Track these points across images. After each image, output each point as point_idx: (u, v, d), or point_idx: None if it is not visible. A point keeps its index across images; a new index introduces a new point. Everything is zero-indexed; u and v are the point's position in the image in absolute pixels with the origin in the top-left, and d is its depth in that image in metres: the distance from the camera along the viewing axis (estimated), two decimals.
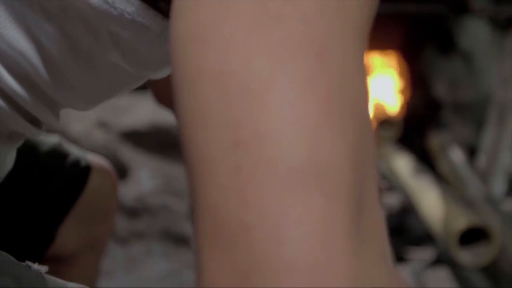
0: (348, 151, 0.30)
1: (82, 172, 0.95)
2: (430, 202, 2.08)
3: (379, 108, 3.03)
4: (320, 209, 0.29)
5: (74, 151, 0.96)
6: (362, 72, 0.33)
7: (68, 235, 0.94)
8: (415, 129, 3.02)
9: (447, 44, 2.92)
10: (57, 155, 0.93)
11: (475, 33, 2.92)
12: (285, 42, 0.31)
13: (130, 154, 2.64)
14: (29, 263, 0.60)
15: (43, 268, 0.61)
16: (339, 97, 0.31)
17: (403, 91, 3.48)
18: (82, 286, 0.65)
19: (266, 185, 0.29)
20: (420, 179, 2.26)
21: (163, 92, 1.01)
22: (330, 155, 0.30)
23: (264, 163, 0.29)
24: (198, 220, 0.31)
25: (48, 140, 0.93)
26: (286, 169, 0.29)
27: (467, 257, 1.87)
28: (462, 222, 1.84)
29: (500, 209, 2.20)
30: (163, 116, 2.81)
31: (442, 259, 2.38)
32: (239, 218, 0.29)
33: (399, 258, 2.68)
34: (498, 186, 2.48)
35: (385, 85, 3.63)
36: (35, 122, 0.60)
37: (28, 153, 0.88)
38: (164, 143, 2.77)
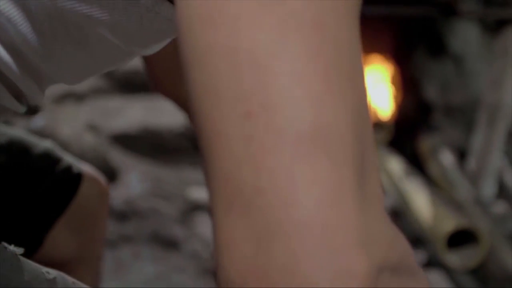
0: (350, 116, 0.33)
1: (73, 178, 0.94)
2: (419, 205, 2.07)
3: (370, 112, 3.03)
4: (327, 172, 0.32)
5: (67, 158, 0.95)
6: (356, 43, 0.36)
7: (58, 242, 0.93)
8: (406, 132, 3.02)
9: (437, 47, 2.92)
10: (50, 159, 0.92)
11: (465, 36, 2.92)
12: (287, 18, 0.33)
13: (120, 157, 2.63)
14: (5, 244, 0.60)
15: (19, 250, 0.60)
16: (338, 66, 0.34)
17: (394, 94, 3.48)
18: (57, 271, 0.65)
19: (277, 152, 0.32)
20: (410, 182, 2.25)
21: (163, 81, 1.01)
22: (334, 121, 0.32)
23: (273, 132, 0.32)
24: (213, 187, 0.34)
25: (42, 143, 0.93)
26: (294, 136, 0.32)
27: (455, 259, 1.87)
28: (450, 224, 1.84)
29: (489, 211, 2.19)
30: (153, 119, 2.80)
31: (432, 262, 2.38)
32: (252, 183, 0.32)
33: None
34: (488, 189, 2.48)
35: (376, 89, 3.63)
36: (19, 96, 0.59)
37: (21, 153, 0.88)
38: (154, 146, 2.76)
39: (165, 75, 1.00)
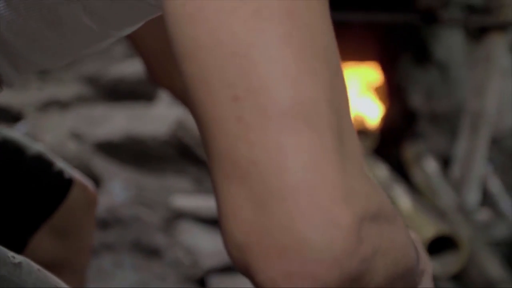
0: (325, 90, 0.39)
1: (64, 183, 0.94)
2: (401, 212, 2.07)
3: (356, 119, 3.03)
4: (310, 141, 0.37)
5: (59, 163, 0.95)
6: (327, 26, 0.41)
7: (42, 245, 0.93)
8: (391, 139, 3.02)
9: (422, 55, 2.92)
10: (43, 162, 0.92)
11: (450, 43, 2.92)
12: (260, 9, 0.38)
13: (103, 165, 2.62)
14: None
15: None
16: (311, 48, 0.39)
17: (379, 102, 3.48)
18: (24, 257, 0.65)
19: (264, 128, 0.37)
20: (392, 189, 2.24)
21: (159, 73, 1.01)
22: (311, 95, 0.38)
23: (259, 111, 0.37)
24: (214, 163, 0.40)
25: (35, 146, 0.93)
26: (277, 113, 0.37)
27: (435, 266, 1.86)
28: (429, 230, 1.84)
29: (472, 218, 2.19)
30: (138, 127, 2.80)
31: None
32: (247, 157, 0.37)
33: None
34: (472, 196, 2.47)
35: (362, 96, 3.64)
36: None
37: (14, 153, 0.88)
38: (138, 154, 2.75)
39: (161, 67, 1.01)
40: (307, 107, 0.38)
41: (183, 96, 0.71)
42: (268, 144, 0.37)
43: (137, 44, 1.02)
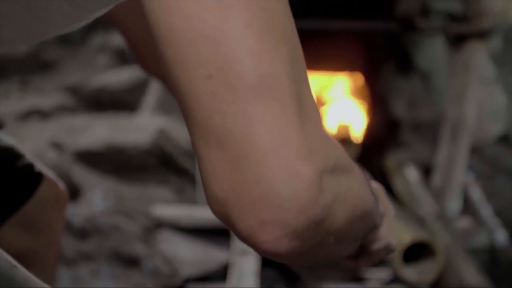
0: (284, 65, 0.45)
1: (34, 176, 0.93)
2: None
3: (339, 128, 3.03)
4: (274, 109, 0.44)
5: (30, 156, 0.95)
6: (285, 9, 0.47)
7: (9, 237, 0.92)
8: (374, 148, 3.02)
9: (405, 64, 2.93)
10: (13, 154, 0.91)
11: (432, 52, 2.93)
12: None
13: (83, 175, 2.60)
14: None
15: None
16: (270, 29, 0.45)
17: (362, 111, 3.48)
18: None
19: (235, 101, 0.44)
20: None
21: (146, 60, 1.03)
22: (272, 70, 0.45)
23: (230, 87, 0.44)
24: (194, 133, 0.46)
25: (7, 139, 0.92)
26: (245, 88, 0.44)
27: (411, 273, 1.85)
28: (406, 237, 1.83)
29: (451, 226, 2.18)
30: (119, 137, 2.79)
31: (398, 279, 2.36)
32: (222, 126, 0.44)
33: (358, 278, 2.66)
34: (453, 204, 2.47)
35: (345, 106, 3.64)
36: None
37: None
38: (119, 164, 2.74)
39: (147, 55, 1.02)
40: (270, 80, 0.44)
41: (168, 82, 0.71)
42: (239, 114, 0.44)
43: (124, 32, 1.02)
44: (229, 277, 2.05)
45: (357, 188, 0.53)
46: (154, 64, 1.01)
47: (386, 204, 0.76)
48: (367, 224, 0.61)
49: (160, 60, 0.48)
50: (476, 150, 2.99)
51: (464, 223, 2.45)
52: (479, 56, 2.31)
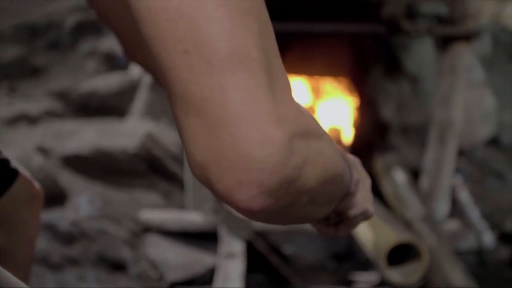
0: (255, 39, 0.49)
1: (9, 172, 0.92)
2: (363, 225, 2.05)
3: (329, 132, 3.03)
4: (246, 79, 0.48)
5: (7, 153, 0.94)
6: None
7: None
8: (363, 151, 3.01)
9: (393, 67, 2.93)
10: None
11: (421, 56, 2.93)
12: None
13: (70, 179, 2.59)
14: None
15: None
16: (241, 7, 0.49)
17: (351, 114, 3.48)
18: None
19: (210, 73, 0.48)
20: None
21: (133, 50, 1.04)
22: (244, 45, 0.49)
23: (205, 60, 0.48)
24: (174, 104, 0.51)
25: None
26: (219, 61, 0.48)
27: (395, 275, 1.84)
28: (390, 239, 1.82)
29: (438, 228, 2.18)
30: (107, 142, 2.78)
31: (386, 282, 2.35)
32: (199, 95, 0.48)
33: (346, 281, 2.65)
34: (440, 206, 2.47)
35: (335, 109, 3.64)
36: None
37: None
38: (107, 168, 2.73)
39: (135, 46, 1.03)
40: (241, 53, 0.49)
41: (154, 70, 0.75)
42: (214, 84, 0.48)
43: (108, 22, 1.02)
44: (215, 280, 2.05)
45: (327, 152, 0.57)
46: (141, 55, 1.02)
47: (361, 174, 0.81)
48: (339, 187, 0.67)
49: (143, 44, 0.52)
50: (465, 153, 2.99)
51: (452, 225, 2.45)
52: (465, 58, 2.30)
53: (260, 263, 2.68)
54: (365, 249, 2.02)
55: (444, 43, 2.33)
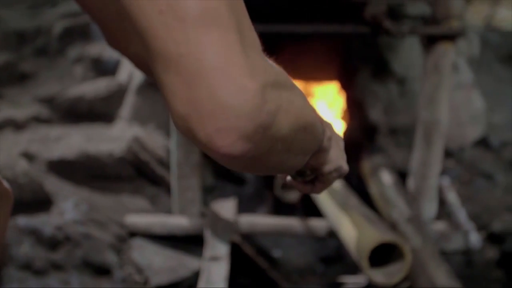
0: (224, 1, 0.54)
1: None
2: (347, 226, 2.04)
3: None
4: (218, 36, 0.53)
5: None
6: None
7: None
8: (352, 153, 3.00)
9: (382, 70, 2.92)
10: None
11: (408, 58, 2.93)
12: None
13: (57, 184, 2.58)
14: None
15: None
16: None
17: (340, 117, 3.48)
18: None
19: (185, 30, 0.52)
20: (343, 204, 2.22)
21: (113, 37, 1.04)
22: (213, 5, 0.53)
23: (179, 19, 0.52)
24: (154, 62, 0.54)
25: None
26: (191, 19, 0.52)
27: (378, 275, 1.83)
28: (371, 240, 1.81)
29: (423, 229, 2.16)
30: (94, 147, 2.77)
31: (372, 285, 2.34)
32: (176, 52, 0.52)
33: (334, 284, 2.64)
34: (428, 208, 2.46)
35: (323, 113, 3.63)
36: None
37: None
38: (93, 173, 2.72)
39: (114, 34, 1.02)
40: (212, 13, 0.53)
41: (137, 58, 0.84)
42: (189, 41, 0.52)
43: (90, 12, 1.02)
44: (199, 283, 2.03)
45: (298, 102, 0.63)
46: (125, 44, 1.03)
47: (335, 134, 0.87)
48: (311, 137, 0.72)
49: (126, 39, 0.59)
50: (454, 154, 2.98)
51: (440, 226, 2.44)
52: (449, 58, 2.30)
53: (248, 266, 2.67)
54: (349, 250, 2.01)
55: (428, 43, 2.33)
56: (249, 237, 2.77)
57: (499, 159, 2.99)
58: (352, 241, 1.95)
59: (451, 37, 2.28)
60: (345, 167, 0.89)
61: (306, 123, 0.66)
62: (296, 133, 0.63)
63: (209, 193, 2.99)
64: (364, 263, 1.80)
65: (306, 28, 2.34)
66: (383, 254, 1.95)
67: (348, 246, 2.00)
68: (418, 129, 2.43)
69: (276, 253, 2.88)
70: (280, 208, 3.08)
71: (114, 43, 1.05)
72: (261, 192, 3.12)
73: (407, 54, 2.93)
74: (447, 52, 2.30)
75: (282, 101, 0.58)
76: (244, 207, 3.03)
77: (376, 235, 1.83)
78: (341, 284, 2.60)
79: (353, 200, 2.28)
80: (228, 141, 0.54)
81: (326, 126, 0.81)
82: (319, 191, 0.91)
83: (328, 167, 0.85)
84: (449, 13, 2.26)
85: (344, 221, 2.10)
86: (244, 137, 0.55)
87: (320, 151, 0.81)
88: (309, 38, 2.99)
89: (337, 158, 0.86)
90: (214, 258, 2.15)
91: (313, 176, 0.89)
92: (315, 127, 0.71)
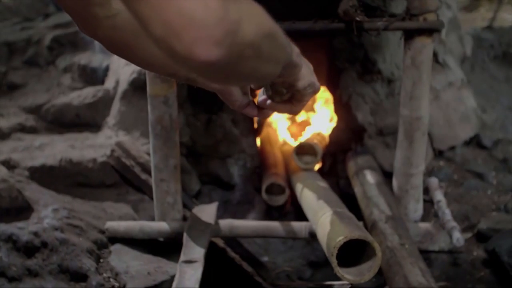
0: None
1: None
2: (322, 225, 1.99)
3: (311, 136, 2.99)
4: None
5: None
6: None
7: None
8: (340, 155, 2.96)
9: (368, 70, 2.88)
10: None
11: (394, 57, 2.88)
12: None
13: (38, 191, 2.57)
14: None
15: None
16: None
17: (329, 119, 3.43)
18: None
19: None
20: (323, 204, 2.18)
21: (83, 21, 1.03)
22: None
23: None
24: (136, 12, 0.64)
25: None
26: None
27: (347, 273, 1.78)
28: (339, 236, 1.77)
29: (401, 228, 2.11)
30: (76, 153, 2.76)
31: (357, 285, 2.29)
32: None
33: (324, 286, 2.60)
34: (412, 207, 2.40)
35: (315, 116, 3.60)
36: None
37: None
38: (75, 179, 2.71)
39: (86, 18, 1.04)
40: None
41: (107, 40, 0.94)
42: None
43: (61, 2, 1.01)
44: (173, 286, 2.00)
45: (257, 12, 0.71)
46: (92, 27, 1.03)
47: (303, 57, 0.95)
48: (278, 44, 0.81)
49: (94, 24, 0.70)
50: (445, 153, 2.93)
51: (425, 226, 2.39)
52: (427, 53, 2.25)
53: (233, 271, 2.63)
54: (324, 249, 1.96)
55: (406, 38, 2.29)
56: (236, 242, 2.73)
57: (491, 159, 2.93)
58: (324, 240, 1.90)
59: (428, 32, 2.24)
60: (318, 84, 0.99)
61: (270, 30, 0.75)
62: (261, 39, 0.72)
63: (196, 199, 2.96)
64: (333, 260, 1.76)
65: (280, 25, 2.31)
66: (358, 253, 1.90)
67: (321, 245, 1.96)
68: (400, 127, 2.39)
69: (263, 258, 2.84)
70: (271, 213, 3.04)
71: (85, 28, 1.05)
72: (249, 197, 3.08)
73: (395, 53, 2.89)
74: (425, 47, 2.25)
75: (242, 11, 0.66)
76: (233, 213, 3.00)
77: (344, 232, 1.79)
78: (327, 284, 2.56)
79: (334, 200, 2.23)
80: (203, 49, 0.63)
81: (294, 46, 0.91)
82: (297, 109, 1.02)
83: (302, 83, 0.96)
84: (425, 7, 2.22)
85: (320, 221, 2.05)
86: (216, 43, 0.64)
87: (291, 65, 0.91)
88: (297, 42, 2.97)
89: (308, 75, 0.97)
90: (189, 261, 2.12)
91: (289, 95, 1.00)
92: (278, 35, 0.81)
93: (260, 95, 1.05)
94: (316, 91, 1.00)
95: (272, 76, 0.87)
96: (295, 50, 0.91)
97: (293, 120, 3.83)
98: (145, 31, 0.65)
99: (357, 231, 1.79)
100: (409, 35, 2.27)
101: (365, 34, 2.77)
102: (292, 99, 1.01)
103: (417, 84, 2.28)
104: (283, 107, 1.02)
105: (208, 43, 0.63)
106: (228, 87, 1.01)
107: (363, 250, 1.90)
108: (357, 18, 2.13)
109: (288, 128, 3.73)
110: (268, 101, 1.02)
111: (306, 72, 0.96)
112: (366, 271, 1.79)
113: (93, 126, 3.12)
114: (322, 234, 1.94)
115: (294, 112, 1.04)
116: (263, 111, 1.06)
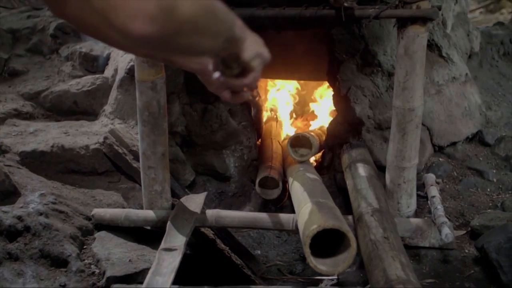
0: None
1: None
2: (302, 216, 1.94)
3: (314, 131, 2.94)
4: None
5: None
6: None
7: None
8: (337, 148, 2.91)
9: (368, 64, 2.81)
10: None
11: (394, 48, 2.81)
12: None
13: (27, 176, 2.55)
14: None
15: None
16: None
17: (327, 113, 3.38)
18: None
19: None
20: (308, 196, 2.13)
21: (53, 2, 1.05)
22: None
23: None
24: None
25: None
26: None
27: (321, 264, 1.73)
28: (312, 227, 1.72)
29: (386, 222, 2.05)
30: (69, 140, 2.75)
31: (341, 283, 2.24)
32: None
33: (312, 282, 2.55)
34: (405, 202, 2.34)
35: (316, 110, 3.54)
36: None
37: None
38: (66, 166, 2.70)
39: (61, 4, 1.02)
40: None
41: (76, 20, 0.90)
42: None
43: None
44: (149, 273, 1.97)
45: None
46: (60, 7, 1.05)
47: (251, 32, 0.99)
48: (219, 20, 0.84)
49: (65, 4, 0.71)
50: (445, 149, 2.85)
51: (416, 221, 2.32)
52: (420, 42, 2.18)
53: (222, 262, 2.59)
54: (301, 239, 1.91)
55: (399, 27, 2.23)
56: (229, 234, 2.69)
57: (493, 156, 2.84)
58: (301, 230, 1.85)
59: (422, 20, 2.17)
60: (266, 54, 1.02)
61: (209, 5, 0.78)
62: (199, 14, 0.76)
63: (191, 189, 2.93)
64: (306, 250, 1.71)
65: (269, 11, 2.27)
66: (338, 245, 1.85)
67: (301, 236, 1.91)
68: (393, 119, 2.32)
69: (255, 251, 2.79)
70: (268, 206, 2.99)
71: (54, 9, 1.04)
72: (245, 190, 3.04)
73: (395, 46, 2.81)
74: (418, 36, 2.18)
75: None
76: (228, 205, 2.96)
77: (319, 221, 1.73)
78: (318, 281, 2.50)
79: (319, 191, 2.18)
80: (138, 24, 0.67)
81: (236, 18, 0.94)
82: (250, 81, 1.03)
83: (247, 54, 0.99)
84: None
85: (301, 211, 2.00)
86: (152, 18, 0.67)
87: (234, 38, 0.94)
88: (298, 34, 2.93)
89: (254, 45, 1.00)
90: (168, 249, 2.08)
91: (240, 68, 1.02)
92: (218, 10, 0.84)
93: (215, 73, 1.04)
94: (266, 60, 1.03)
95: (214, 49, 0.90)
96: (237, 23, 0.94)
97: (297, 115, 3.79)
98: (88, 5, 0.69)
99: (331, 221, 1.73)
100: (402, 23, 2.20)
101: (368, 25, 2.73)
102: (244, 73, 1.03)
103: (410, 75, 2.21)
104: (236, 81, 1.03)
105: (143, 18, 0.67)
106: (205, 67, 1.00)
107: (342, 242, 1.85)
108: (345, 4, 2.07)
109: (293, 122, 3.68)
110: (221, 77, 1.03)
111: (252, 43, 0.99)
112: (341, 262, 1.74)
113: (91, 114, 3.10)
114: (301, 224, 1.89)
115: (249, 86, 1.05)
116: (237, 94, 1.08)
